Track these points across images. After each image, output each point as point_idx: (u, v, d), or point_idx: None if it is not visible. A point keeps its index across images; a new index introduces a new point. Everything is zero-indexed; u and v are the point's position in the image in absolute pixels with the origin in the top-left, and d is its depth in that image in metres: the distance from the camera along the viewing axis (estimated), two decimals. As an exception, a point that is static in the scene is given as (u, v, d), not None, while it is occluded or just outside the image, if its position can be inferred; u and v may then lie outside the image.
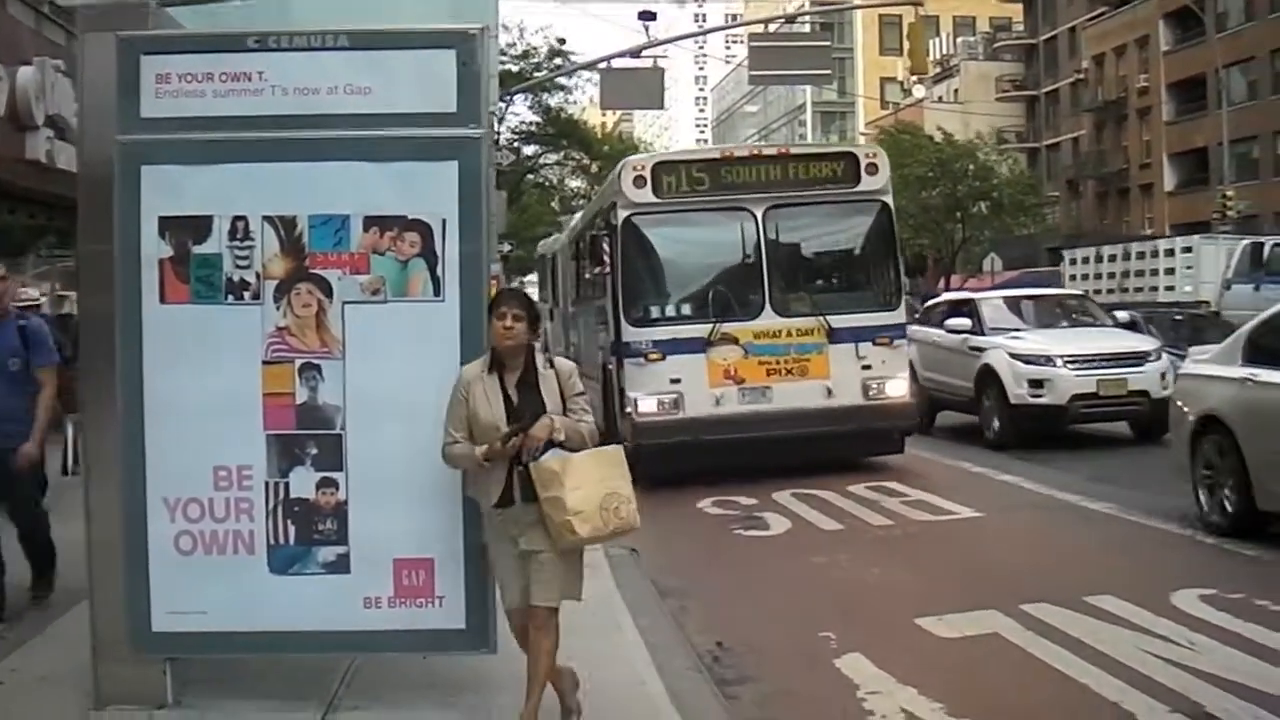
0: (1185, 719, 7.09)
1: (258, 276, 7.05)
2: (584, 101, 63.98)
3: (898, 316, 17.36)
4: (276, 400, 7.05)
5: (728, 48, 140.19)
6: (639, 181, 16.87)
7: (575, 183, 67.31)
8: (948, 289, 50.23)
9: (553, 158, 64.91)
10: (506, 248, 57.43)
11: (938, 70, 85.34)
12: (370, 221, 7.04)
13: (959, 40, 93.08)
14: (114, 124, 7.06)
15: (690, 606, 10.58)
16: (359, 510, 7.05)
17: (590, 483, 6.46)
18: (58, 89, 19.63)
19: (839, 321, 16.66)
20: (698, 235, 17.43)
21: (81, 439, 7.53)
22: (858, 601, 10.49)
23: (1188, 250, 32.74)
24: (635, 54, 32.89)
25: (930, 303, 25.07)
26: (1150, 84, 67.63)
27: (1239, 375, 11.89)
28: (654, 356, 16.53)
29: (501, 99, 42.31)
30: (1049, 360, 19.14)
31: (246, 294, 7.05)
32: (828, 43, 34.61)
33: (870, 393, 16.72)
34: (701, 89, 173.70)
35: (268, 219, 7.04)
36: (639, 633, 9.19)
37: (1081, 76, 76.11)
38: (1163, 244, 34.40)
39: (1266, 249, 29.68)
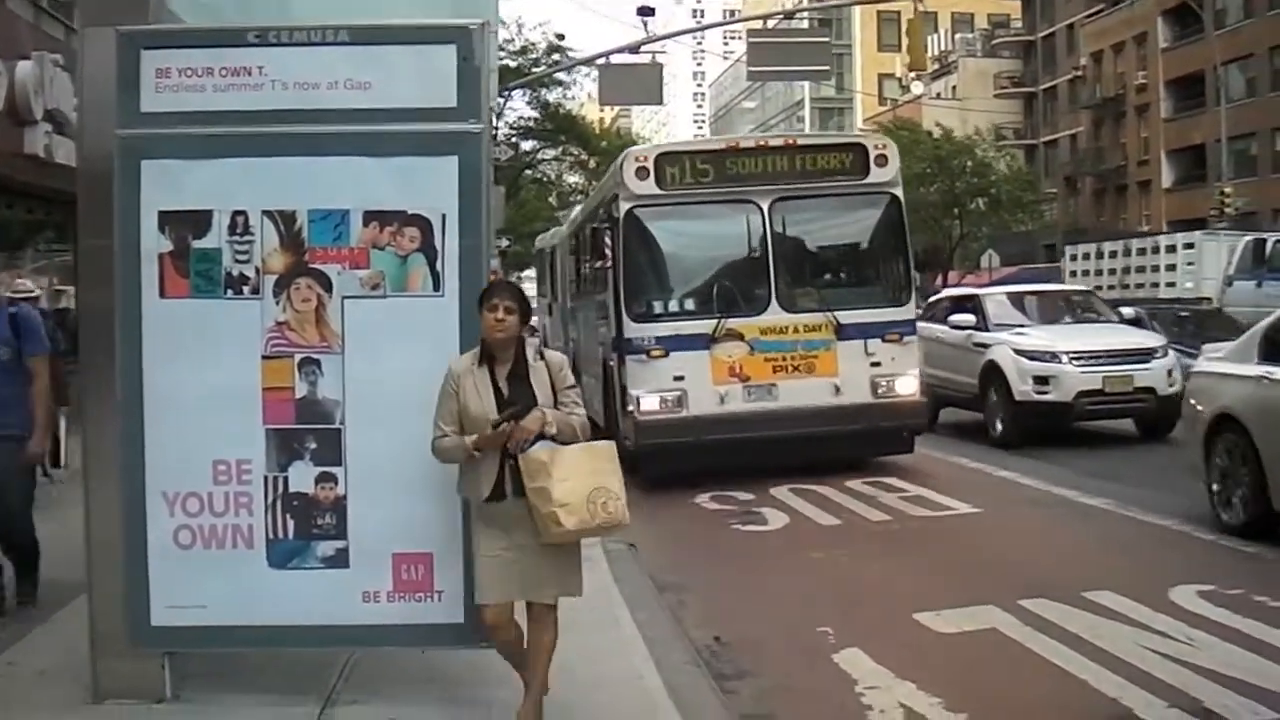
0: (1184, 714, 7.09)
1: (257, 271, 7.05)
2: (582, 97, 64.08)
3: (908, 312, 16.97)
4: (276, 395, 7.05)
5: (726, 43, 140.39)
6: (641, 173, 16.43)
7: (573, 178, 67.36)
8: (945, 285, 50.22)
9: (551, 153, 64.92)
10: (505, 243, 57.44)
11: (936, 67, 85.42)
12: (370, 216, 7.04)
13: (957, 37, 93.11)
14: (114, 118, 7.06)
15: (688, 601, 10.58)
16: (358, 505, 7.05)
17: (579, 475, 6.39)
18: (56, 83, 19.60)
19: (847, 317, 16.21)
20: (702, 228, 17.03)
21: (81, 432, 7.47)
22: (856, 596, 10.50)
23: (1189, 246, 32.71)
24: (634, 50, 32.90)
25: (933, 298, 24.96)
26: (1148, 81, 67.64)
27: (1255, 373, 11.73)
28: (657, 353, 16.13)
29: (500, 94, 42.30)
30: (1054, 357, 18.94)
31: (246, 289, 7.05)
32: (826, 39, 34.57)
33: (879, 391, 16.31)
34: (699, 85, 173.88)
35: (267, 214, 7.04)
36: (637, 627, 9.18)
37: (1080, 73, 76.10)
38: (1164, 240, 34.36)
39: (1269, 245, 29.61)
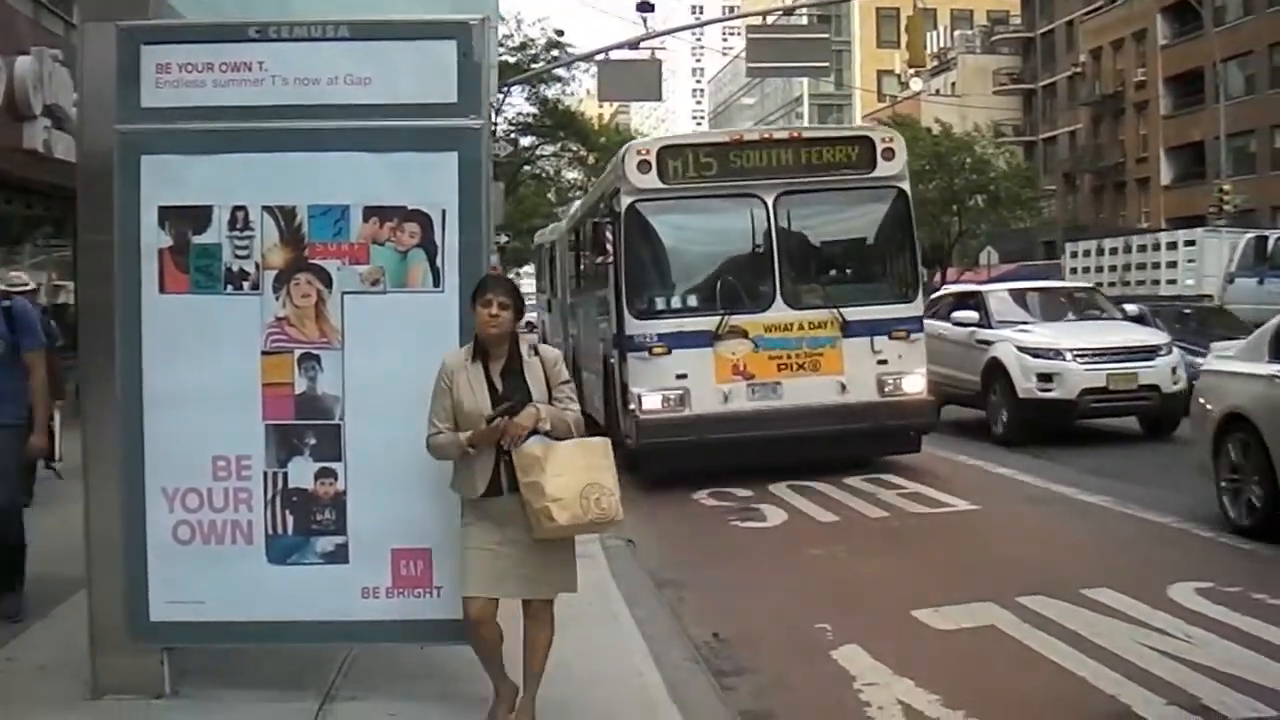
0: (1182, 711, 7.10)
1: (257, 266, 7.05)
2: (581, 93, 64.05)
3: (915, 309, 16.63)
4: (275, 390, 7.05)
5: (725, 39, 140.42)
6: (644, 166, 16.11)
7: (572, 174, 67.34)
8: (944, 283, 50.25)
9: (549, 149, 64.93)
10: (504, 239, 57.43)
11: (935, 63, 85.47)
12: (370, 212, 7.04)
13: (956, 33, 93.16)
14: (114, 113, 7.06)
15: (687, 597, 10.59)
16: (357, 500, 7.06)
17: (572, 471, 6.37)
18: (55, 78, 19.62)
19: (853, 314, 15.91)
20: (705, 223, 16.75)
21: (81, 427, 7.47)
22: (854, 593, 10.50)
23: (1190, 244, 32.54)
24: (633, 45, 32.91)
25: (936, 295, 24.87)
26: (1147, 78, 67.74)
27: (1267, 372, 11.61)
28: (659, 350, 15.82)
29: (499, 90, 42.30)
30: (1058, 354, 18.84)
31: (246, 284, 7.05)
32: (825, 35, 34.55)
33: (886, 389, 16.00)
34: (699, 81, 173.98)
35: (267, 209, 7.04)
36: (636, 623, 9.18)
37: (1079, 70, 76.17)
38: (1165, 237, 34.18)
39: (1270, 243, 29.52)
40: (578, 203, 31.66)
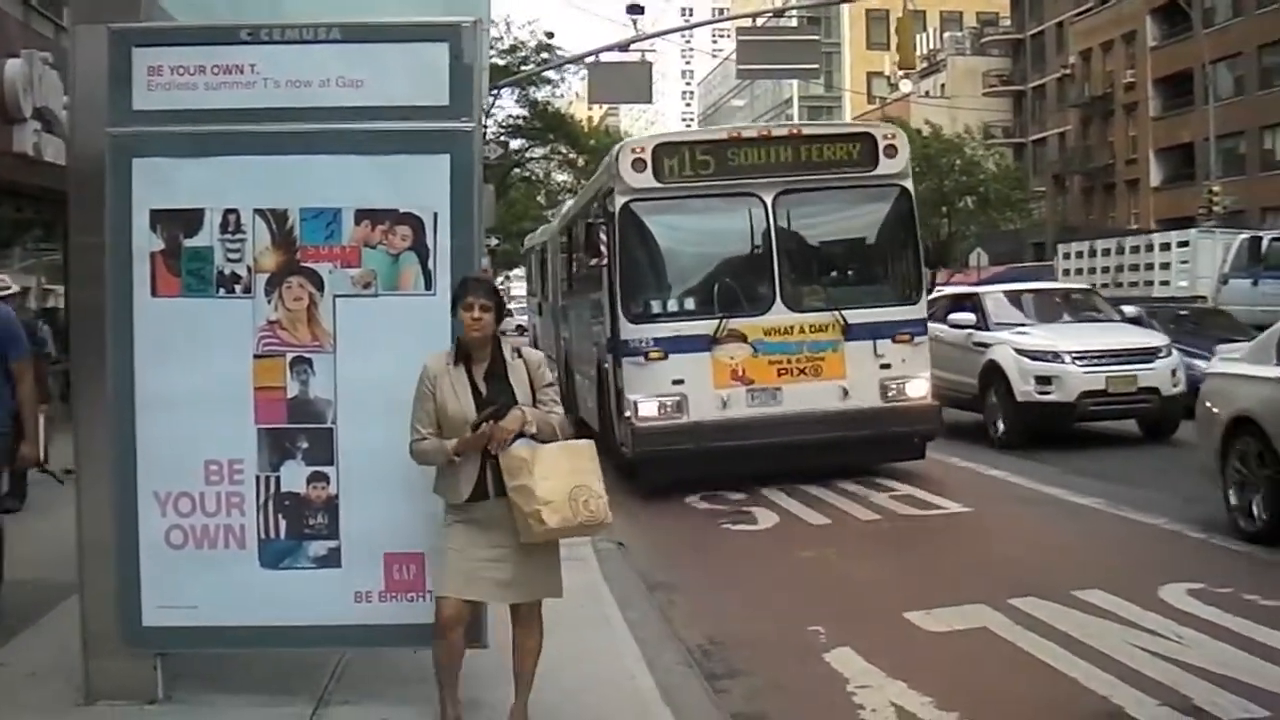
0: (1174, 712, 7.10)
1: (249, 270, 7.05)
2: (570, 96, 64.06)
3: (919, 311, 16.14)
4: (267, 394, 7.05)
5: (714, 41, 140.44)
6: (638, 165, 15.58)
7: (562, 176, 67.38)
8: (934, 284, 50.16)
9: (539, 152, 64.93)
10: (494, 242, 57.41)
11: (925, 65, 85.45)
12: (362, 215, 7.04)
13: (946, 35, 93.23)
14: (105, 116, 7.05)
15: (678, 600, 10.59)
16: (350, 504, 7.06)
17: (559, 474, 6.34)
18: (45, 81, 19.58)
19: (856, 317, 15.44)
20: (702, 223, 16.18)
21: (72, 431, 7.45)
22: (846, 596, 10.51)
23: (1184, 244, 32.32)
24: (623, 48, 32.91)
25: (931, 297, 24.63)
26: (1137, 79, 67.80)
27: (1275, 375, 11.44)
28: (655, 355, 15.30)
29: (489, 93, 42.28)
30: (1057, 356, 18.63)
31: (238, 287, 7.05)
32: (815, 37, 34.59)
33: (889, 394, 15.57)
34: (688, 83, 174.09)
35: (259, 212, 7.04)
36: (628, 626, 9.18)
37: (1068, 72, 76.26)
38: (1158, 238, 33.98)
39: (1265, 243, 29.24)
40: (569, 203, 31.45)
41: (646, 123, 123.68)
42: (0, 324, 9.11)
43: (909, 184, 16.37)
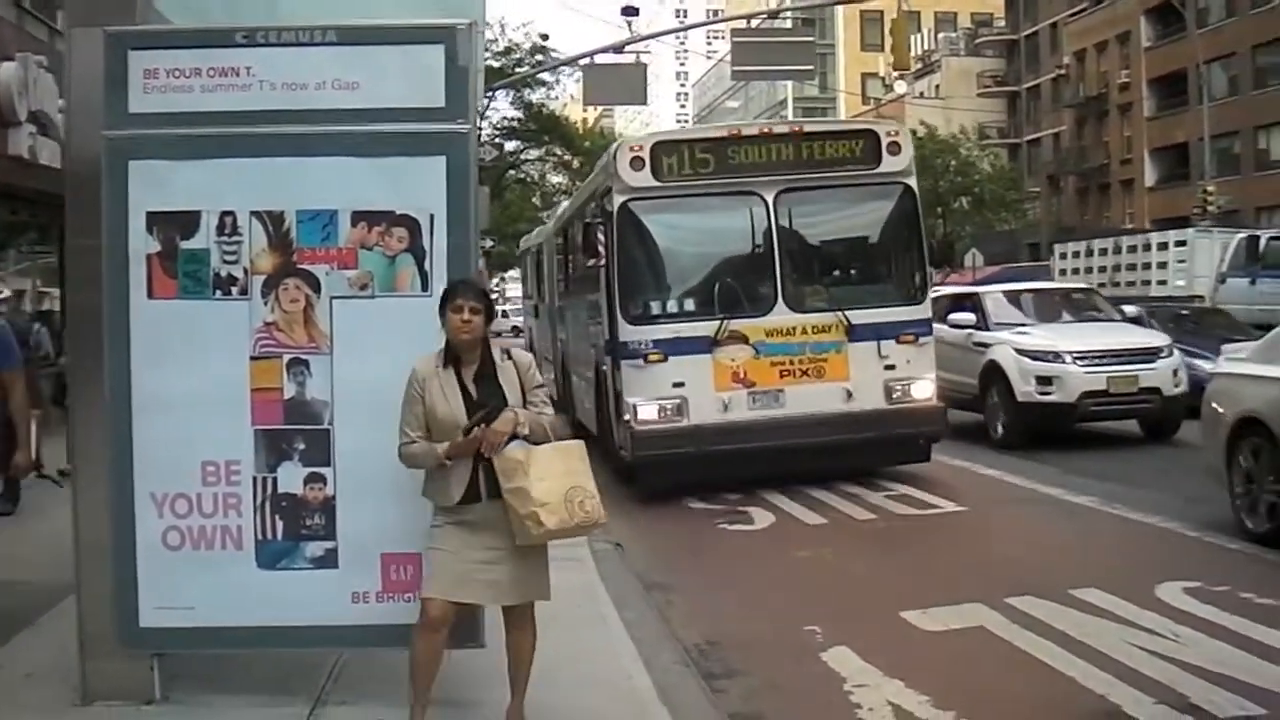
0: (1171, 710, 7.12)
1: (246, 272, 7.05)
2: (565, 97, 64.09)
3: (923, 311, 15.85)
4: (264, 395, 7.05)
5: (709, 43, 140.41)
6: (636, 163, 15.23)
7: (556, 178, 67.38)
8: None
9: (534, 153, 64.95)
10: (489, 243, 57.42)
11: (919, 66, 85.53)
12: (358, 216, 7.05)
13: (940, 36, 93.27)
14: (101, 119, 7.05)
15: (675, 600, 10.60)
16: (347, 505, 7.06)
17: (554, 475, 6.32)
18: (40, 85, 19.62)
19: (859, 317, 15.12)
20: (702, 222, 15.83)
21: (68, 434, 7.43)
22: (843, 595, 10.52)
23: (1181, 244, 32.10)
24: (618, 50, 32.88)
25: (931, 296, 24.43)
26: (1131, 80, 67.85)
27: None
28: (654, 357, 14.96)
29: (484, 95, 42.26)
30: (1057, 356, 18.51)
31: (234, 289, 7.05)
32: (810, 38, 34.54)
33: (894, 396, 15.26)
34: (683, 85, 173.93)
35: (256, 214, 7.04)
36: (625, 626, 9.18)
37: (1063, 72, 76.28)
38: (1155, 237, 33.79)
39: (1262, 243, 29.29)
40: (565, 204, 31.30)
41: (641, 124, 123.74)
42: None
43: (913, 182, 16.09)
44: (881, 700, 7.60)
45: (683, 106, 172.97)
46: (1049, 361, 18.57)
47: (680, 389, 14.98)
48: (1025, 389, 18.64)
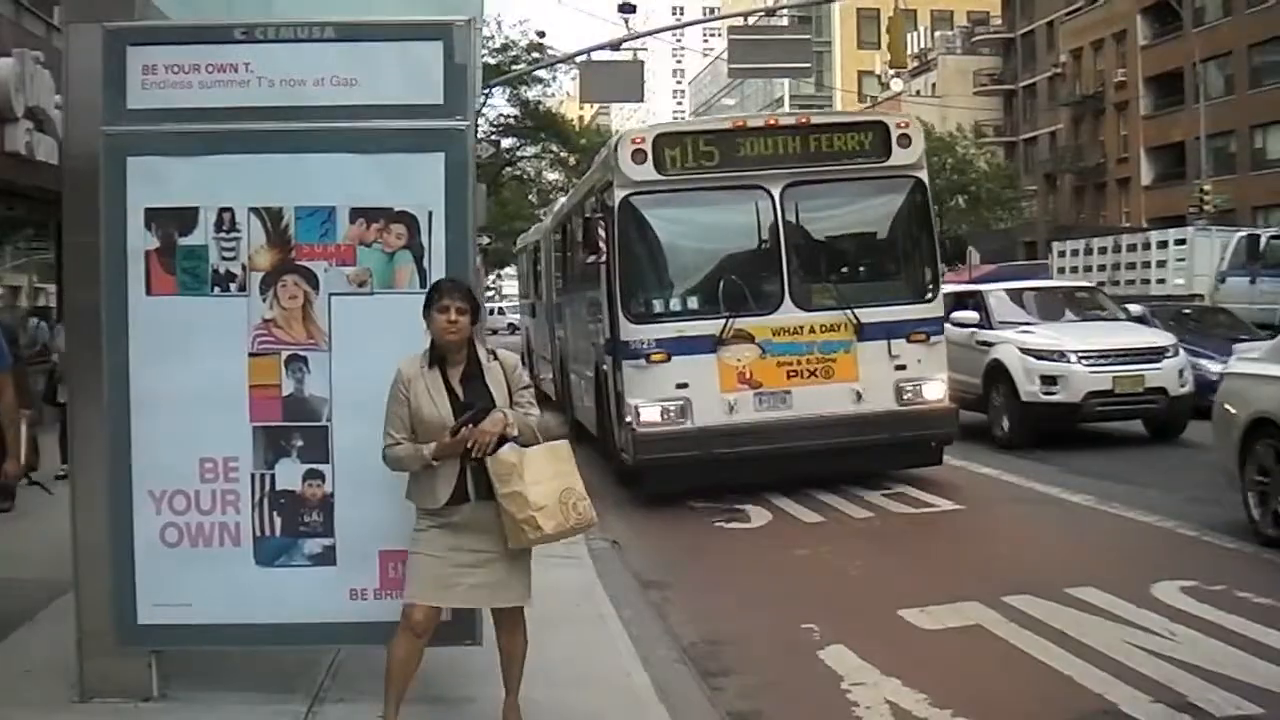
0: (1168, 709, 7.12)
1: (244, 268, 7.05)
2: (561, 94, 63.99)
3: (935, 309, 15.37)
4: (263, 392, 7.05)
5: (705, 40, 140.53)
6: (638, 156, 14.70)
7: (553, 175, 67.30)
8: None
9: (531, 150, 64.83)
10: (485, 240, 57.39)
11: (916, 64, 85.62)
12: (357, 213, 7.05)
13: (937, 34, 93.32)
14: (100, 115, 7.04)
15: (673, 599, 10.59)
16: (345, 502, 7.06)
17: (547, 477, 6.30)
18: (37, 81, 19.61)
19: (869, 315, 14.65)
20: (706, 217, 15.31)
21: (69, 429, 7.41)
22: (840, 593, 10.52)
23: (1180, 242, 31.94)
24: (615, 47, 32.90)
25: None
26: (1128, 78, 67.91)
27: None
28: (657, 357, 14.49)
29: (481, 92, 42.24)
30: (1062, 355, 18.22)
31: (233, 286, 7.05)
32: (806, 36, 34.61)
33: (905, 397, 14.80)
34: (679, 82, 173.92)
35: (254, 210, 7.04)
36: (622, 624, 9.20)
37: (1059, 71, 76.38)
38: (1155, 236, 33.62)
39: (1263, 241, 29.14)
40: (562, 199, 31.10)
41: (638, 122, 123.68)
42: None
43: (924, 175, 15.65)
44: (879, 698, 7.60)
45: (679, 104, 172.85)
46: (1054, 361, 18.31)
47: (684, 390, 14.54)
48: (1030, 388, 18.37)
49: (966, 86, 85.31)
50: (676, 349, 14.56)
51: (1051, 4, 78.12)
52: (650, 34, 42.77)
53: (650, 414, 14.56)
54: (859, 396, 14.72)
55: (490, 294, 74.18)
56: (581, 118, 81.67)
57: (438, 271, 6.99)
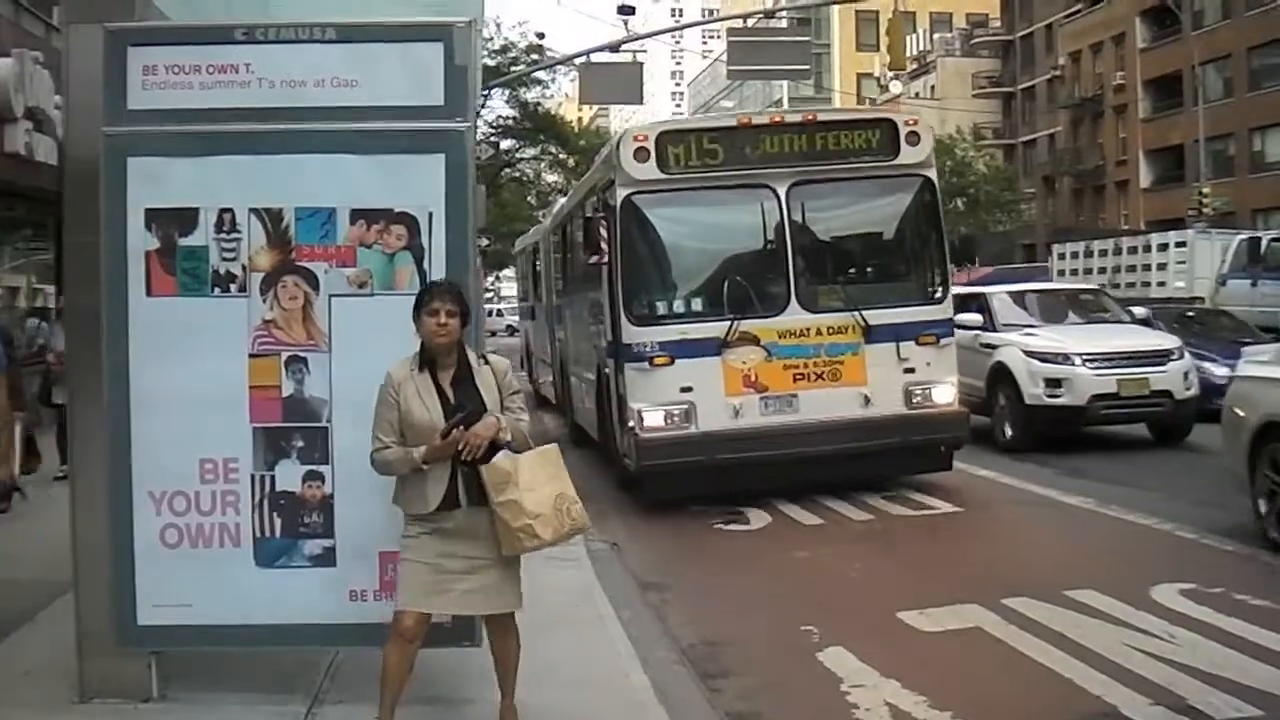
0: (1168, 712, 7.12)
1: (244, 269, 7.06)
2: (560, 96, 64.02)
3: (944, 310, 14.96)
4: (263, 393, 7.05)
5: (704, 42, 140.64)
6: (641, 154, 14.34)
7: (552, 177, 67.30)
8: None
9: (530, 152, 64.83)
10: (484, 242, 57.37)
11: (915, 66, 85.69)
12: (357, 214, 7.05)
13: (936, 36, 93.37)
14: (100, 116, 7.05)
15: (672, 600, 10.59)
16: (345, 503, 7.06)
17: (541, 484, 6.29)
18: (36, 81, 19.61)
19: (877, 317, 14.30)
20: (710, 217, 14.94)
21: (69, 430, 7.40)
22: (839, 595, 10.52)
23: (1181, 245, 31.84)
24: (614, 48, 32.88)
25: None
26: (1126, 81, 67.97)
27: None
28: (660, 361, 14.13)
29: (480, 93, 42.22)
30: (1067, 358, 18.06)
31: (233, 286, 7.06)
32: (805, 38, 34.59)
33: (914, 400, 14.45)
34: (678, 84, 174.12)
35: (254, 211, 7.05)
36: (621, 626, 9.19)
37: (1058, 73, 76.45)
38: (1155, 238, 33.51)
39: (1264, 244, 29.08)
40: (561, 200, 30.96)
41: (637, 124, 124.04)
42: None
43: (932, 174, 15.30)
44: (879, 700, 7.60)
45: (678, 106, 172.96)
46: (1058, 363, 18.15)
47: (688, 394, 14.19)
48: (1034, 391, 18.20)
49: (965, 89, 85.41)
50: (680, 352, 14.21)
51: (1051, 6, 78.21)
52: (649, 35, 42.78)
53: (653, 418, 14.25)
54: (867, 400, 14.38)
55: (489, 295, 74.16)
56: (580, 119, 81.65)
57: (438, 273, 6.99)
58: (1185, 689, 7.44)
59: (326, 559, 7.07)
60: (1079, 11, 74.07)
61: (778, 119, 15.67)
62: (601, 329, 15.98)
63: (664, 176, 14.41)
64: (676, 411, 14.19)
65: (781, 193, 14.50)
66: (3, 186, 20.79)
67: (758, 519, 13.88)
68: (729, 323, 14.20)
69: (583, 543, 10.98)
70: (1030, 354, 18.49)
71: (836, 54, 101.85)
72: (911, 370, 14.50)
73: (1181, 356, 18.32)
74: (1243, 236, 30.72)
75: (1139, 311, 21.23)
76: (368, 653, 7.62)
